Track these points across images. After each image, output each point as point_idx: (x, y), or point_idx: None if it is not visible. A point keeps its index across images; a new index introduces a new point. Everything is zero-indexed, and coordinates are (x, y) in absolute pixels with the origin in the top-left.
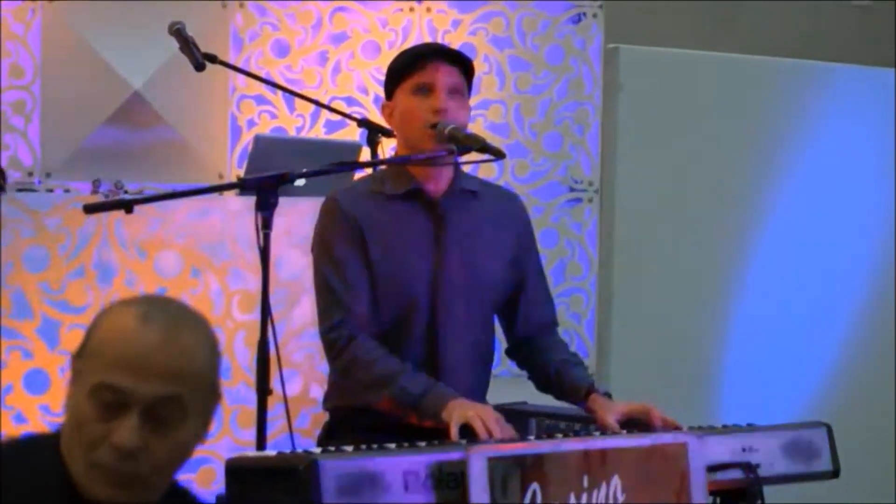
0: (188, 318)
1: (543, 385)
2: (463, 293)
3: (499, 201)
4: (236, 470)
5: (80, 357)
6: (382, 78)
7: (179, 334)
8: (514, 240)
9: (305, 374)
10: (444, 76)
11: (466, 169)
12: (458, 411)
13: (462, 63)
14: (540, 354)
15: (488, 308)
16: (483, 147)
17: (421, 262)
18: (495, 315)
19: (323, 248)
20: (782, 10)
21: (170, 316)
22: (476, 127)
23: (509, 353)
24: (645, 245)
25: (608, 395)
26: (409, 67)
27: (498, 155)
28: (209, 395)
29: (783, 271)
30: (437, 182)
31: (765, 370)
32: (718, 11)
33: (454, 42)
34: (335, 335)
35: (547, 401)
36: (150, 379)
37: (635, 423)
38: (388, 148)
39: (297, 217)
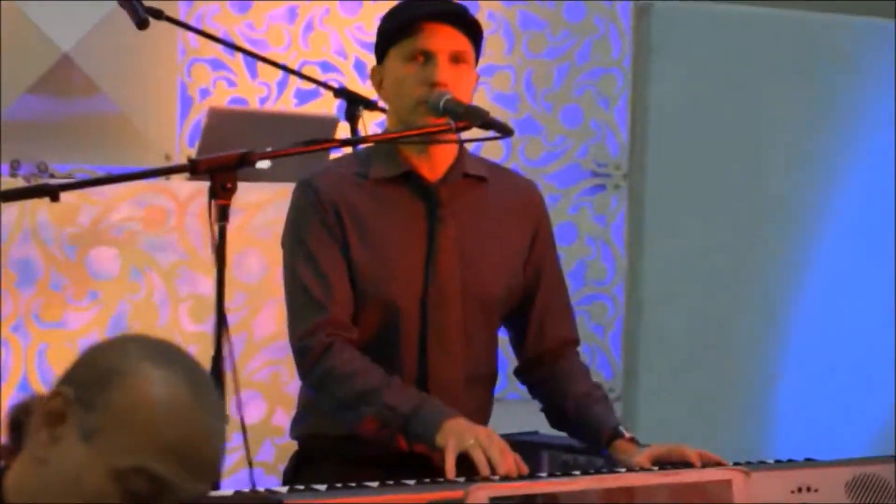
0: (210, 381)
1: (558, 422)
2: (461, 300)
3: (512, 190)
4: None
5: (90, 410)
6: (363, 38)
7: (221, 414)
8: (528, 238)
9: (269, 397)
10: (445, 41)
11: (470, 147)
12: (455, 438)
13: (468, 23)
14: (556, 383)
15: (492, 319)
16: (487, 122)
17: (411, 262)
18: (503, 327)
19: (296, 240)
20: None
21: (207, 384)
22: (479, 98)
23: (519, 373)
24: (682, 243)
25: (635, 441)
26: (401, 29)
27: (504, 132)
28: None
29: (847, 275)
30: (435, 165)
31: (826, 395)
32: None
33: None
34: (309, 343)
35: None
36: (202, 474)
37: (668, 464)
38: (371, 123)
39: (261, 206)
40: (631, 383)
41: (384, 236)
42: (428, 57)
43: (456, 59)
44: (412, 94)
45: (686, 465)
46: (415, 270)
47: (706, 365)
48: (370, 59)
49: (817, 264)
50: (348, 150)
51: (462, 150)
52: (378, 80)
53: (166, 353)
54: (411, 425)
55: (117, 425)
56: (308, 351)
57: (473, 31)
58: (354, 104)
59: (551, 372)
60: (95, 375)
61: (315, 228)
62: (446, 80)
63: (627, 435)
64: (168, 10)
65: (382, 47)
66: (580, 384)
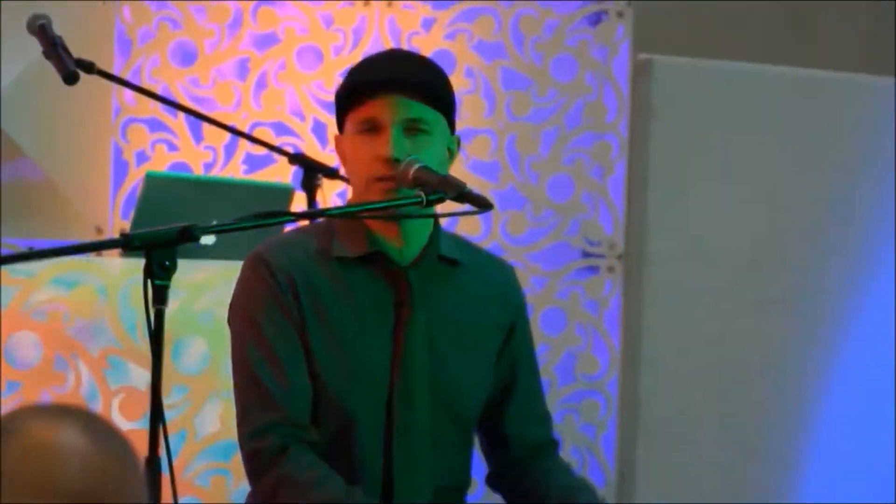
0: (114, 429)
1: None
2: (430, 404)
3: (487, 275)
4: None
5: None
6: (323, 97)
7: (128, 460)
8: (504, 330)
9: None
10: (398, 110)
11: (444, 223)
12: None
13: (426, 88)
14: (534, 481)
15: (464, 422)
16: (463, 195)
17: (376, 357)
18: (473, 431)
19: (246, 322)
20: (867, 14)
21: (109, 430)
22: (454, 167)
23: (491, 481)
24: (685, 331)
25: None
26: (351, 97)
27: (482, 206)
28: None
29: (878, 363)
30: (407, 244)
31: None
32: (785, 13)
33: (425, 49)
34: (261, 444)
35: None
36: None
37: None
38: (331, 194)
39: (204, 288)
40: (626, 492)
41: (345, 326)
42: (378, 128)
43: (414, 127)
44: (363, 170)
45: None
46: (379, 368)
47: (713, 470)
48: (331, 121)
49: (843, 346)
50: (305, 223)
51: (437, 229)
52: (341, 151)
53: (59, 408)
54: None
55: (9, 485)
56: (259, 454)
57: (435, 94)
58: (312, 172)
59: (529, 470)
60: None
61: (269, 309)
62: (399, 154)
63: None
64: (101, 62)
65: (339, 114)
66: (562, 477)
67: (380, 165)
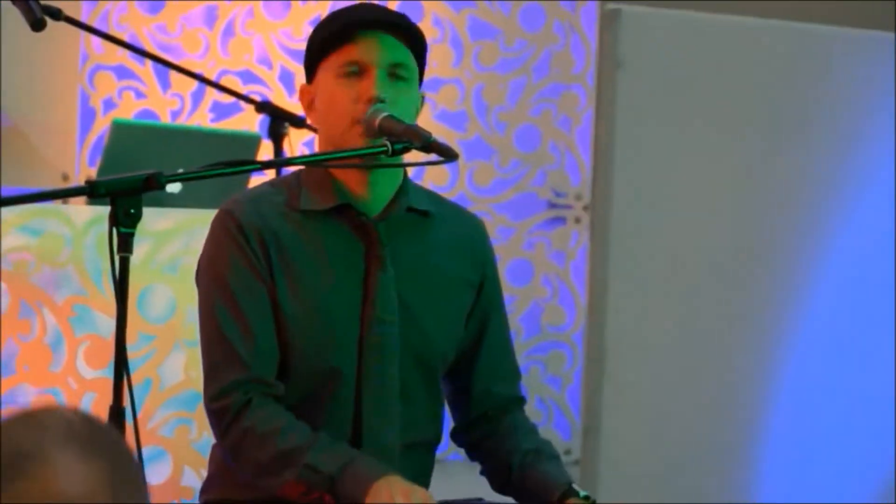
0: (138, 475)
1: (501, 481)
2: (399, 354)
3: (457, 228)
4: None
5: None
6: (291, 45)
7: None
8: (475, 286)
9: (176, 454)
10: (383, 52)
11: (410, 173)
12: (383, 500)
13: (410, 33)
14: (498, 441)
15: (434, 375)
16: (429, 144)
17: (346, 312)
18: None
19: (214, 279)
20: None
21: (133, 481)
22: (422, 116)
23: (455, 435)
24: (652, 282)
25: (591, 501)
26: (334, 40)
27: (449, 156)
28: None
29: (846, 321)
30: (375, 196)
31: (818, 459)
32: None
33: None
34: (225, 402)
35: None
36: None
37: None
38: (298, 143)
39: (169, 236)
40: (590, 444)
41: (315, 280)
42: (363, 70)
43: (395, 73)
44: (345, 112)
45: None
46: (349, 322)
47: (678, 423)
48: (298, 70)
49: (808, 308)
50: (271, 173)
51: (406, 180)
52: (308, 101)
53: (90, 440)
54: (337, 487)
55: None
56: (224, 413)
57: (416, 43)
58: (279, 120)
59: (494, 429)
60: (3, 460)
61: (237, 267)
62: (385, 96)
63: (583, 494)
64: (69, 9)
65: (312, 62)
66: (527, 440)
67: (363, 107)
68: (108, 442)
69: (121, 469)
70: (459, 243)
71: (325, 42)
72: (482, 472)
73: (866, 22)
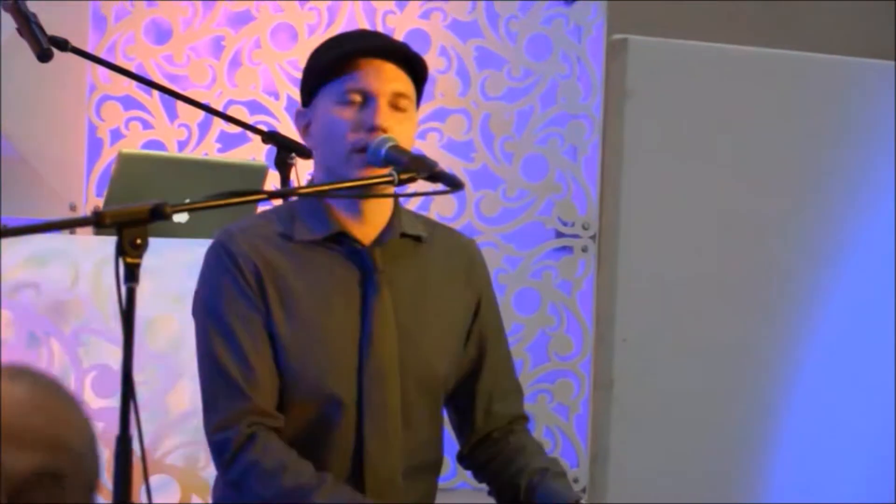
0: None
1: (510, 501)
2: (399, 381)
3: (453, 251)
4: None
5: None
6: (297, 75)
7: (75, 410)
8: (472, 307)
9: (184, 483)
10: (386, 81)
11: (416, 203)
12: None
13: (412, 62)
14: (505, 461)
15: (435, 401)
16: (435, 174)
17: (344, 339)
18: (444, 408)
19: (209, 313)
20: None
21: (57, 386)
22: (429, 146)
23: (462, 459)
24: (659, 312)
25: None
26: (336, 66)
27: (454, 185)
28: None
29: (853, 353)
30: (368, 224)
31: (825, 482)
32: None
33: (399, 29)
34: (227, 435)
35: None
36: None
37: None
38: (304, 173)
39: (177, 266)
40: (599, 472)
41: (312, 309)
42: (366, 98)
43: (397, 103)
44: (346, 140)
45: None
46: (348, 349)
47: (685, 452)
48: None
49: (814, 340)
50: (277, 203)
51: (397, 206)
52: (304, 125)
53: (29, 372)
54: None
55: None
56: (225, 446)
57: (418, 73)
58: (286, 150)
59: (500, 449)
60: None
61: (232, 299)
62: (387, 125)
63: None
64: (76, 39)
65: (311, 86)
66: (534, 458)
67: (365, 135)
68: (27, 369)
69: (38, 377)
70: (454, 266)
71: (327, 67)
72: (489, 493)
73: (871, 51)
